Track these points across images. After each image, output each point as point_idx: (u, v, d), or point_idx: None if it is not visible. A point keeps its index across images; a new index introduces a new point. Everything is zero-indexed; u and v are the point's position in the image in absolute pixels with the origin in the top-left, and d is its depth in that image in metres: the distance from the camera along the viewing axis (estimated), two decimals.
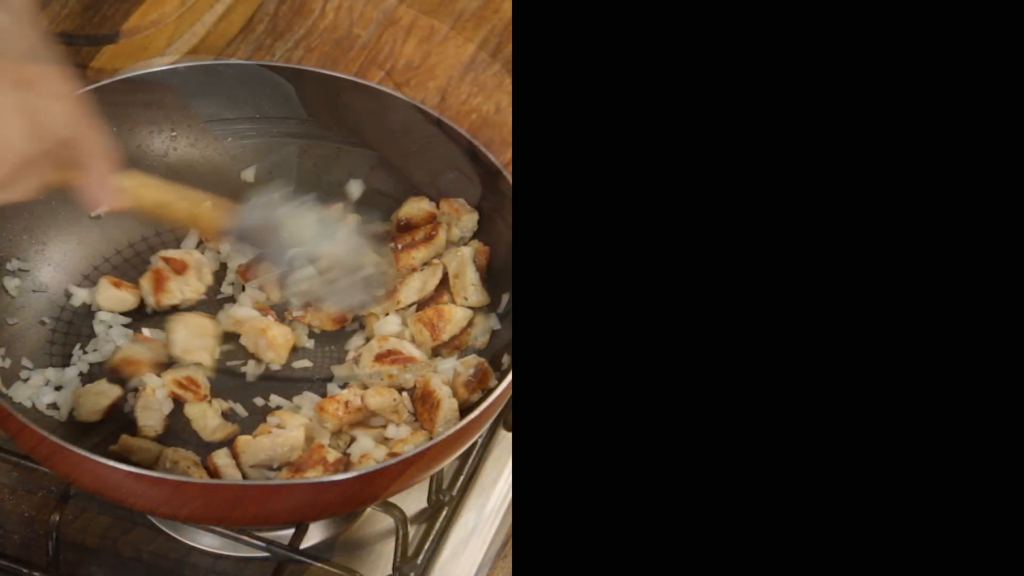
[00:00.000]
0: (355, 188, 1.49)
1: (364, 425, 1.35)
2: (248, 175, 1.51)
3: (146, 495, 1.23)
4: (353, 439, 1.34)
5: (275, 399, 1.39)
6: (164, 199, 1.30)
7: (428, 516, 1.38)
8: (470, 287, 1.43)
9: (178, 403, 1.37)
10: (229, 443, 1.34)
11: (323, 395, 1.38)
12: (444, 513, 1.38)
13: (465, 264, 1.43)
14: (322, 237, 1.34)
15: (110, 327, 1.43)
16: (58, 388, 1.38)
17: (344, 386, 1.39)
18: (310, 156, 1.51)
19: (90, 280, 1.45)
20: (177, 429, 1.36)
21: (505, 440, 1.44)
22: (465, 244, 1.46)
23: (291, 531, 1.32)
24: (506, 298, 1.44)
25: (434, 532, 1.37)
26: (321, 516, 1.33)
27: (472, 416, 1.26)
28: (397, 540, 1.32)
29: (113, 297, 1.43)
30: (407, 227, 1.46)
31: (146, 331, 1.42)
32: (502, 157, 1.58)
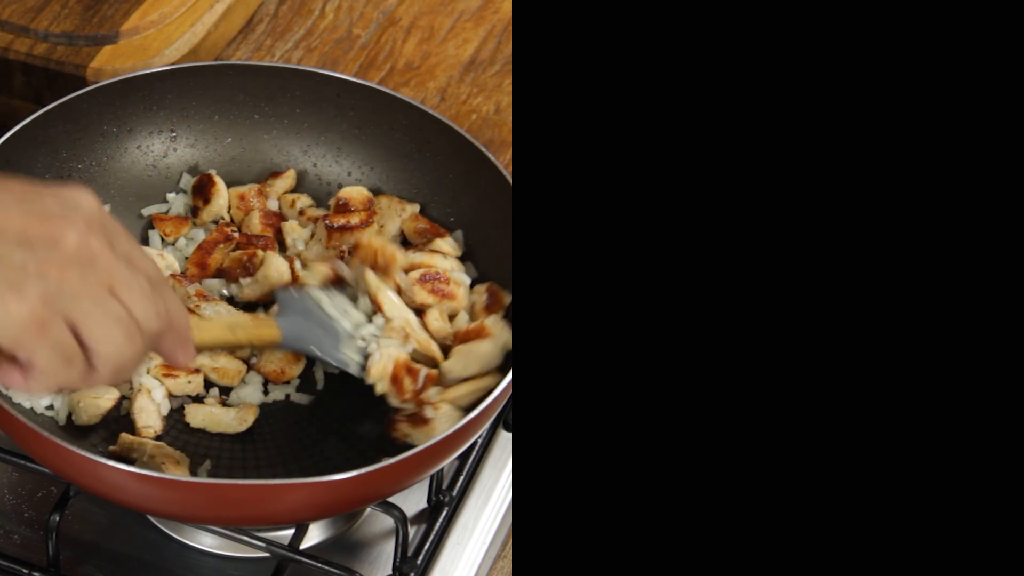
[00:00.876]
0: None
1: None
2: (248, 175, 1.51)
3: (146, 495, 1.23)
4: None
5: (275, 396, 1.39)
6: (222, 336, 1.31)
7: (428, 516, 1.38)
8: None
9: (178, 403, 1.37)
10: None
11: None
12: (444, 513, 1.38)
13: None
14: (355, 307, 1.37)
15: None
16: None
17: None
18: (310, 156, 1.51)
19: None
20: (177, 429, 1.36)
21: (505, 440, 1.44)
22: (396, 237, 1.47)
23: (291, 531, 1.32)
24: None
25: (434, 532, 1.37)
26: (321, 516, 1.33)
27: (472, 416, 1.26)
28: (397, 540, 1.32)
29: None
30: (344, 208, 1.46)
31: None
32: (502, 157, 1.59)
